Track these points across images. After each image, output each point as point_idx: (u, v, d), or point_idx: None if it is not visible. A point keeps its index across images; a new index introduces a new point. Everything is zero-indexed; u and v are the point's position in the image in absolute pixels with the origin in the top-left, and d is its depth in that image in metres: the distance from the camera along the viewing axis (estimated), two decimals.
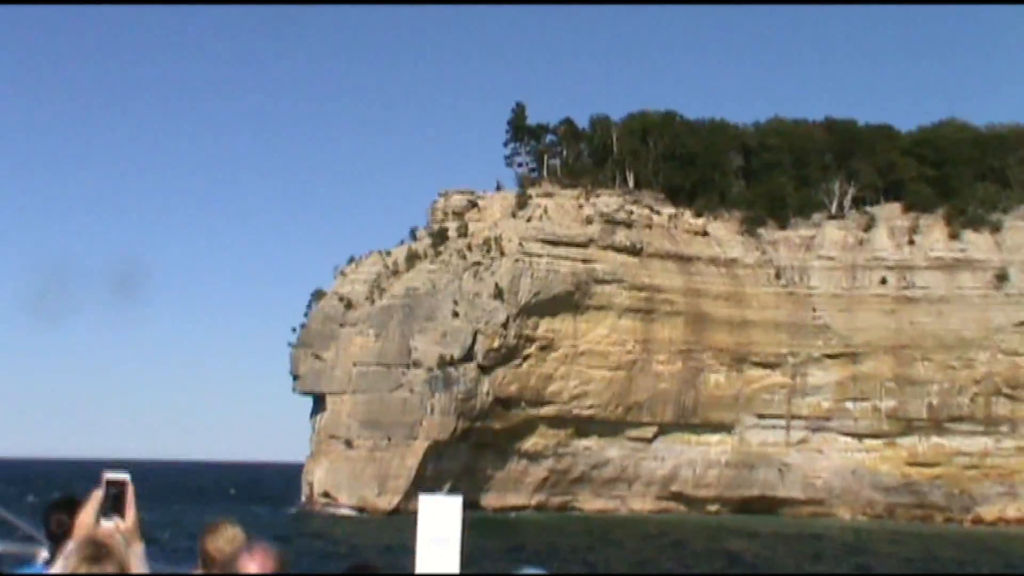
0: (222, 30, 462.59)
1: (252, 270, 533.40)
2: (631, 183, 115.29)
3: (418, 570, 8.44)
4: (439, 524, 9.06)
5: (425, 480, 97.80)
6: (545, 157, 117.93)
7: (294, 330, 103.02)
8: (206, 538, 6.67)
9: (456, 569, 8.42)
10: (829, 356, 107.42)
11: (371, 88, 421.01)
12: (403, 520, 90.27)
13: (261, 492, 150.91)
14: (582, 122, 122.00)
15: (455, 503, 9.13)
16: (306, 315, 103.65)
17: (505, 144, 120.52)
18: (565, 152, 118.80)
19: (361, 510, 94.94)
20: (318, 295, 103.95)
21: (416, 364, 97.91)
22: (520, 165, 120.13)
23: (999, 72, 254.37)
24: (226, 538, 6.59)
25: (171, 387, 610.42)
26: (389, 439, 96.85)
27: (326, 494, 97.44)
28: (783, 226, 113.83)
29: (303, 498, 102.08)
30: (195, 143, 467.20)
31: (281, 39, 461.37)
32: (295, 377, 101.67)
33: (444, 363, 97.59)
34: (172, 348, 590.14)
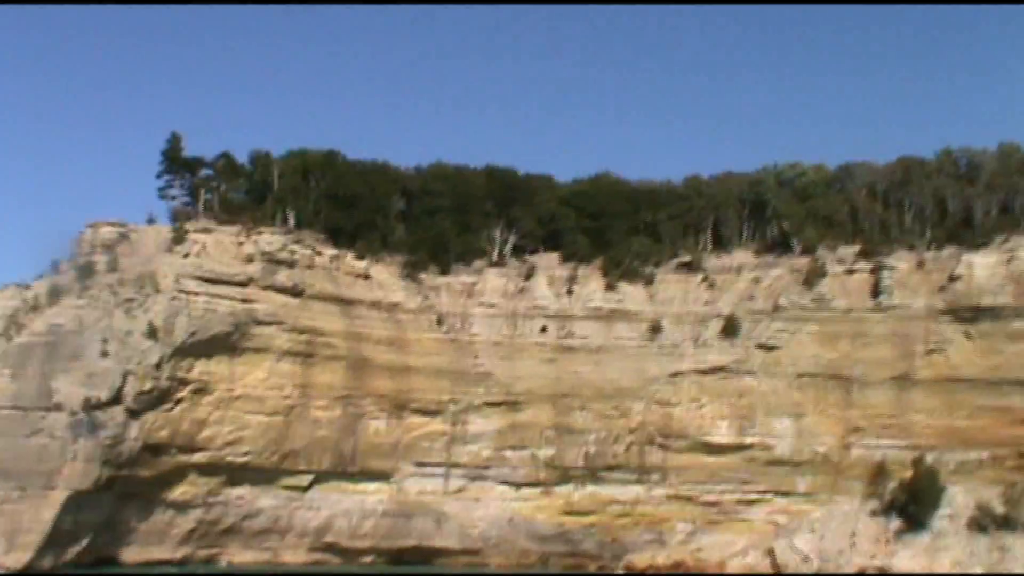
0: None
1: None
2: (292, 222, 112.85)
3: None
4: None
5: (62, 534, 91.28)
6: (201, 191, 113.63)
7: None
8: None
9: None
10: (490, 404, 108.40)
11: (19, 107, 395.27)
12: None
13: None
14: (241, 157, 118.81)
15: None
16: None
17: (158, 176, 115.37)
18: (223, 187, 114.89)
19: None
20: None
21: (58, 407, 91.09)
22: (174, 198, 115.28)
23: (651, 129, 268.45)
24: None
25: None
26: (23, 489, 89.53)
27: None
28: (445, 271, 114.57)
29: None
30: None
31: None
32: None
33: (90, 406, 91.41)
34: None
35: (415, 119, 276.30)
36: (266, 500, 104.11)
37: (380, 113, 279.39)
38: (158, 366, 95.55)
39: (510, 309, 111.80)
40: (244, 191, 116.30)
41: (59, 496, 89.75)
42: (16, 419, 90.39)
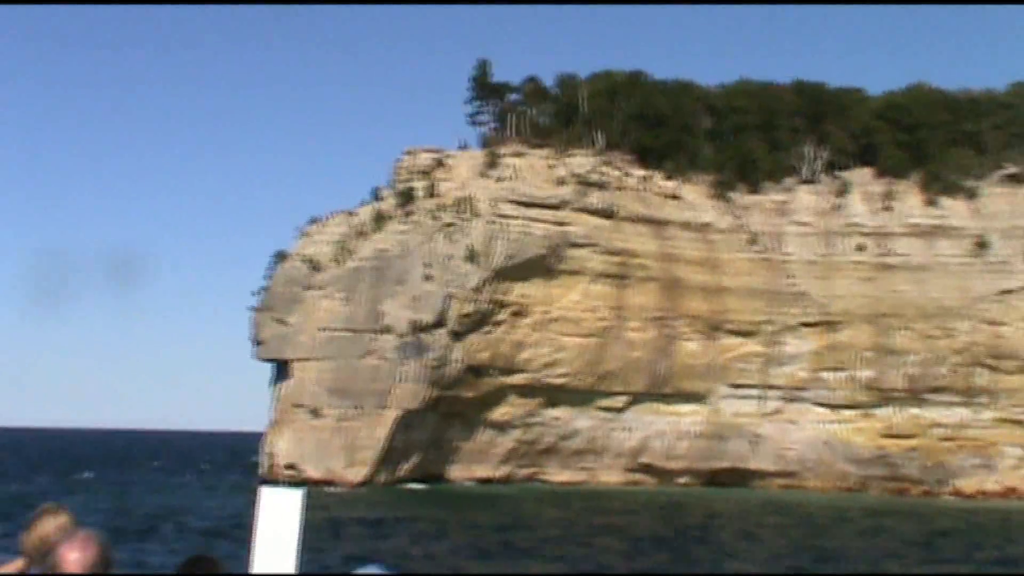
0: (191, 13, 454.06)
1: (207, 230, 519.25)
2: (600, 144, 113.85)
3: (255, 569, 8.08)
4: (279, 520, 8.58)
5: (394, 451, 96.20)
6: (510, 116, 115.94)
7: (255, 294, 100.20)
8: (33, 525, 6.68)
9: (293, 569, 8.04)
10: (806, 324, 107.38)
11: (329, 45, 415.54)
12: (377, 493, 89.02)
13: (212, 461, 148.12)
14: (547, 80, 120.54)
15: (296, 496, 8.64)
16: (268, 278, 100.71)
17: (468, 102, 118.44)
18: (531, 111, 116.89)
19: (328, 483, 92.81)
20: (280, 257, 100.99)
21: (386, 330, 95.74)
22: (484, 124, 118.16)
23: (969, 36, 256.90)
24: (55, 526, 6.58)
25: (119, 353, 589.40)
26: (358, 408, 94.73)
27: (291, 466, 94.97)
28: (755, 190, 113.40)
29: (262, 469, 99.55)
30: (145, 102, 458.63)
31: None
32: (257, 343, 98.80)
33: (415, 329, 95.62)
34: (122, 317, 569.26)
35: (717, 36, 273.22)
36: (582, 421, 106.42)
37: (682, 31, 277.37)
38: (478, 289, 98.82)
39: (824, 227, 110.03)
40: (551, 114, 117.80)
41: (391, 415, 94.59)
42: (350, 340, 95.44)
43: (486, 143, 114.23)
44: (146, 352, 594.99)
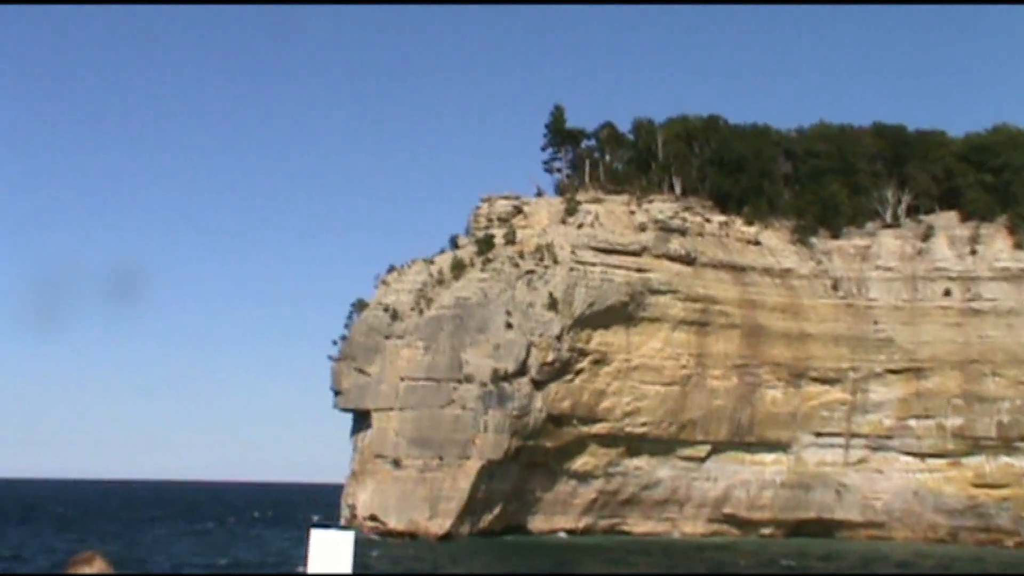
0: (252, 30, 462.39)
1: (284, 277, 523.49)
2: (677, 190, 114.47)
3: None
4: (331, 561, 9.05)
5: (477, 502, 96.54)
6: (586, 162, 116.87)
7: (335, 343, 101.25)
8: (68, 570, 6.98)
9: None
10: (892, 371, 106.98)
11: (404, 93, 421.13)
12: (460, 547, 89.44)
13: (289, 514, 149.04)
14: (623, 126, 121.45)
15: (347, 538, 9.23)
16: (347, 327, 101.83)
17: (543, 148, 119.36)
18: (606, 157, 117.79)
19: (411, 535, 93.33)
20: (359, 306, 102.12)
21: (468, 378, 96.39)
22: (559, 170, 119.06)
23: None
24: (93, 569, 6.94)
25: (192, 402, 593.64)
26: (440, 458, 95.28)
27: (373, 517, 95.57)
28: (836, 235, 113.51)
29: (342, 521, 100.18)
30: (231, 149, 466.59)
31: (317, 40, 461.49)
32: (337, 392, 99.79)
33: (497, 377, 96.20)
34: (193, 362, 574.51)
35: (793, 80, 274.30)
36: (664, 470, 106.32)
37: (758, 75, 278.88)
38: (559, 337, 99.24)
39: (909, 272, 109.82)
40: (627, 160, 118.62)
41: (474, 465, 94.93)
42: (432, 390, 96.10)
43: (561, 190, 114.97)
44: (220, 403, 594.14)
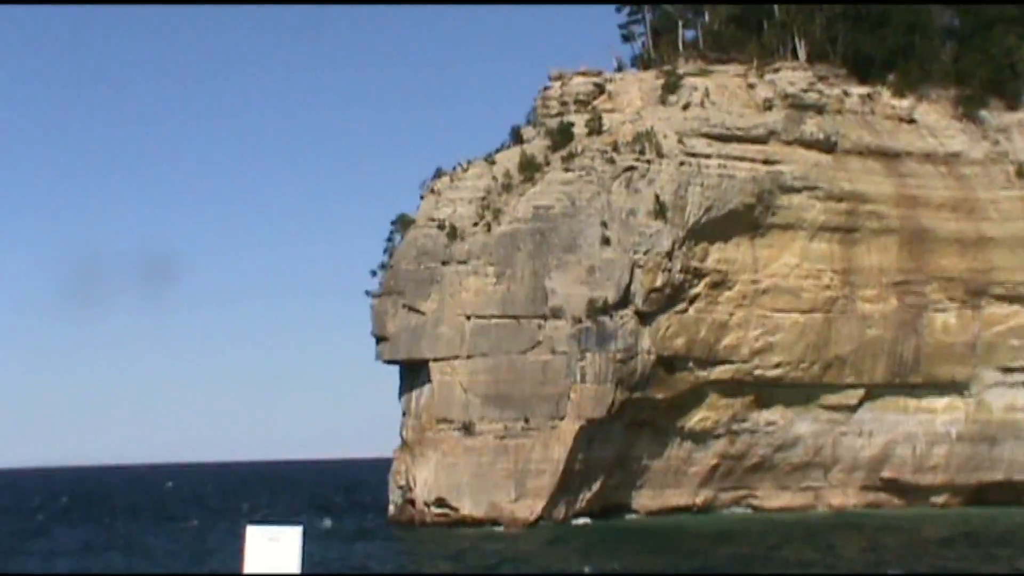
0: None
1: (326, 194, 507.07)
2: (801, 56, 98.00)
3: None
4: (272, 560, 8.73)
5: (573, 476, 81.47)
6: (679, 23, 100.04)
7: (374, 273, 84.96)
8: None
9: None
10: None
11: None
12: (559, 532, 73.78)
13: (324, 498, 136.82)
14: None
15: (293, 535, 9.00)
16: (388, 252, 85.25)
17: (618, 9, 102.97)
18: (706, 15, 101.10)
19: (493, 522, 78.31)
20: (404, 222, 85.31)
21: (556, 313, 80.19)
22: (641, 35, 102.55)
23: None
24: None
25: (210, 373, 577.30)
26: (526, 420, 79.39)
27: (440, 501, 79.82)
28: (1015, 105, 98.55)
29: (392, 507, 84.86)
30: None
31: None
32: (379, 339, 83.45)
33: (595, 310, 80.00)
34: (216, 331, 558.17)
35: None
36: (803, 425, 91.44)
37: None
38: (669, 254, 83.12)
39: None
40: (728, 19, 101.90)
41: (570, 427, 79.89)
42: (509, 330, 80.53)
43: (646, 62, 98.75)
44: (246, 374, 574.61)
